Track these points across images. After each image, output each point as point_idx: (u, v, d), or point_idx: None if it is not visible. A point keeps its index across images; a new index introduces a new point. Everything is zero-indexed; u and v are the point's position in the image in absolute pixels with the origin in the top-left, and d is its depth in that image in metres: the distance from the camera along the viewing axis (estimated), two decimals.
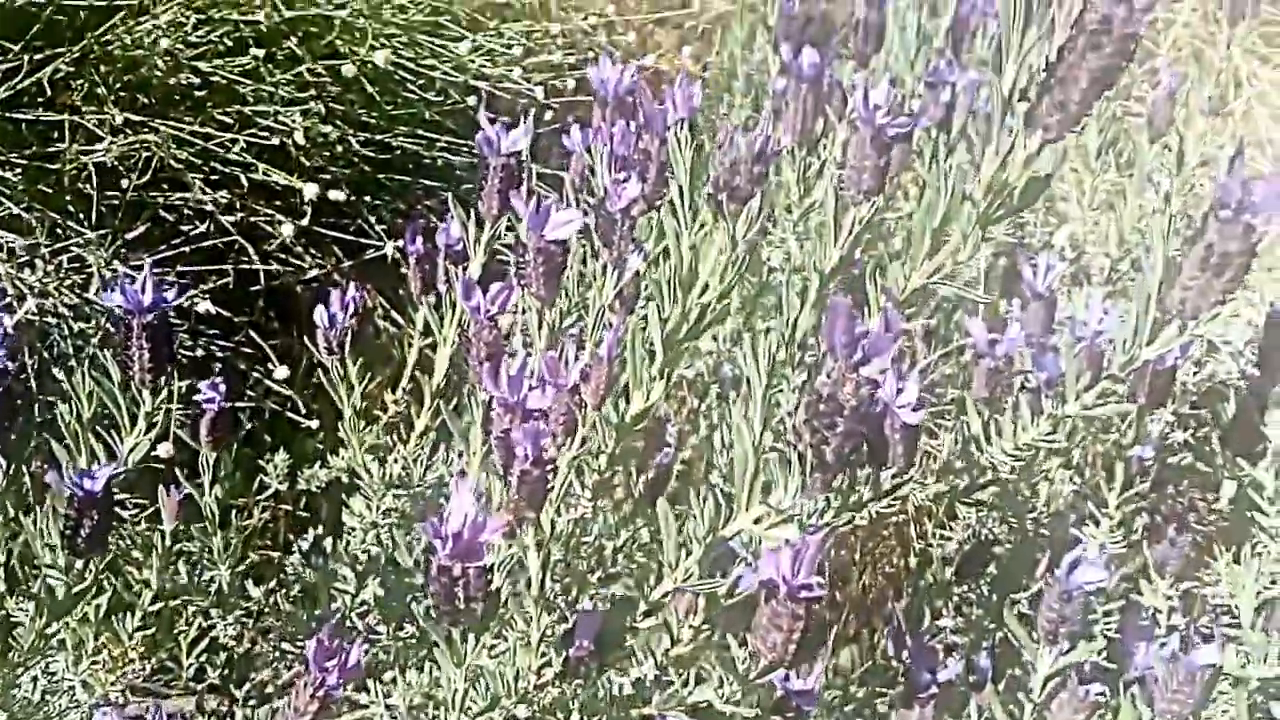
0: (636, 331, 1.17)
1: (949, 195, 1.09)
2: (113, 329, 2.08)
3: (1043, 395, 1.33)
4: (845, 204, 1.34)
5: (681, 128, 1.48)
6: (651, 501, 1.44)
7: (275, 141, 2.24)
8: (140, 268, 2.19)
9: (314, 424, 2.18)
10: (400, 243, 2.45)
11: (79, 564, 1.16)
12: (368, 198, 2.65)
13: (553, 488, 1.03)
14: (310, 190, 1.97)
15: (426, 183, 2.81)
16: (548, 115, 2.53)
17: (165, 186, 2.34)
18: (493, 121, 1.55)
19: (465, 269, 1.47)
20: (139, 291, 1.30)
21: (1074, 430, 1.41)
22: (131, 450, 1.36)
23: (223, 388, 1.35)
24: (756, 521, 0.97)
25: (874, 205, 1.30)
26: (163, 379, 1.32)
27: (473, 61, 2.31)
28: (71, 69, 2.17)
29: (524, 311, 1.32)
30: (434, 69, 2.38)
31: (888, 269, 1.20)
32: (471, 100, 2.38)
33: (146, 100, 2.35)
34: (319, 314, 1.50)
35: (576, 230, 1.27)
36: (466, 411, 1.46)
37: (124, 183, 2.24)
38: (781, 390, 1.27)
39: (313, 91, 2.25)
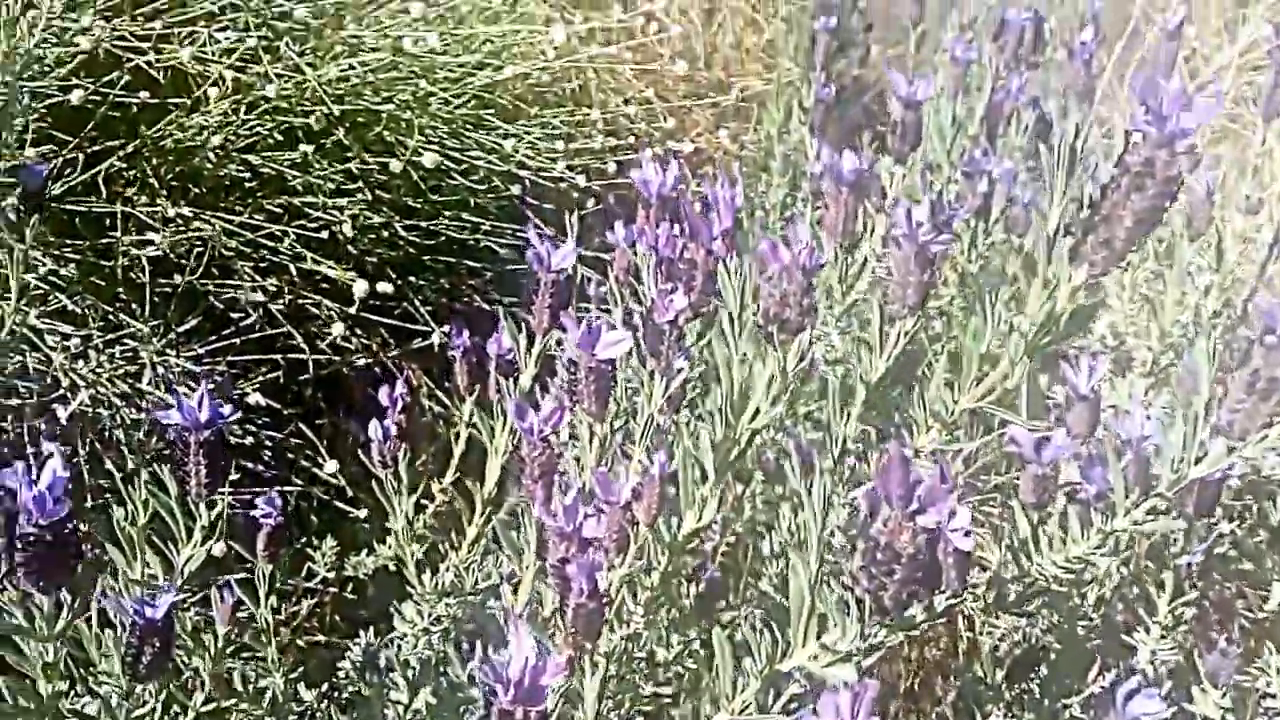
0: (688, 451, 1.19)
1: (995, 323, 1.11)
2: (168, 440, 2.15)
3: (1091, 508, 1.34)
4: (889, 316, 1.37)
5: (727, 239, 1.52)
6: (702, 612, 1.46)
7: (322, 230, 2.30)
8: (194, 359, 2.27)
9: (361, 512, 2.21)
10: (446, 328, 2.53)
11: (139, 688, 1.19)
12: (411, 278, 2.70)
13: (609, 619, 1.05)
14: (360, 287, 2.02)
15: (469, 264, 2.88)
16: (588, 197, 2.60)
17: (215, 276, 2.40)
18: (536, 211, 1.60)
19: (516, 380, 1.51)
20: (196, 409, 1.34)
21: (1122, 543, 1.41)
22: (187, 561, 1.40)
23: (278, 502, 1.38)
24: (813, 659, 0.98)
25: (919, 319, 1.33)
26: (218, 492, 1.36)
27: (516, 151, 2.36)
28: (125, 163, 2.24)
29: (574, 426, 1.35)
30: (478, 159, 2.44)
31: (933, 388, 1.22)
32: (515, 189, 2.43)
33: (197, 191, 2.42)
34: (373, 429, 1.54)
35: (626, 351, 1.30)
36: (518, 521, 1.49)
37: (176, 274, 2.30)
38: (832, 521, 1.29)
39: (360, 183, 2.31)
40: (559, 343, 1.55)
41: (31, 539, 0.97)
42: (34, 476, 0.98)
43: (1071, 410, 1.62)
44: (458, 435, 1.89)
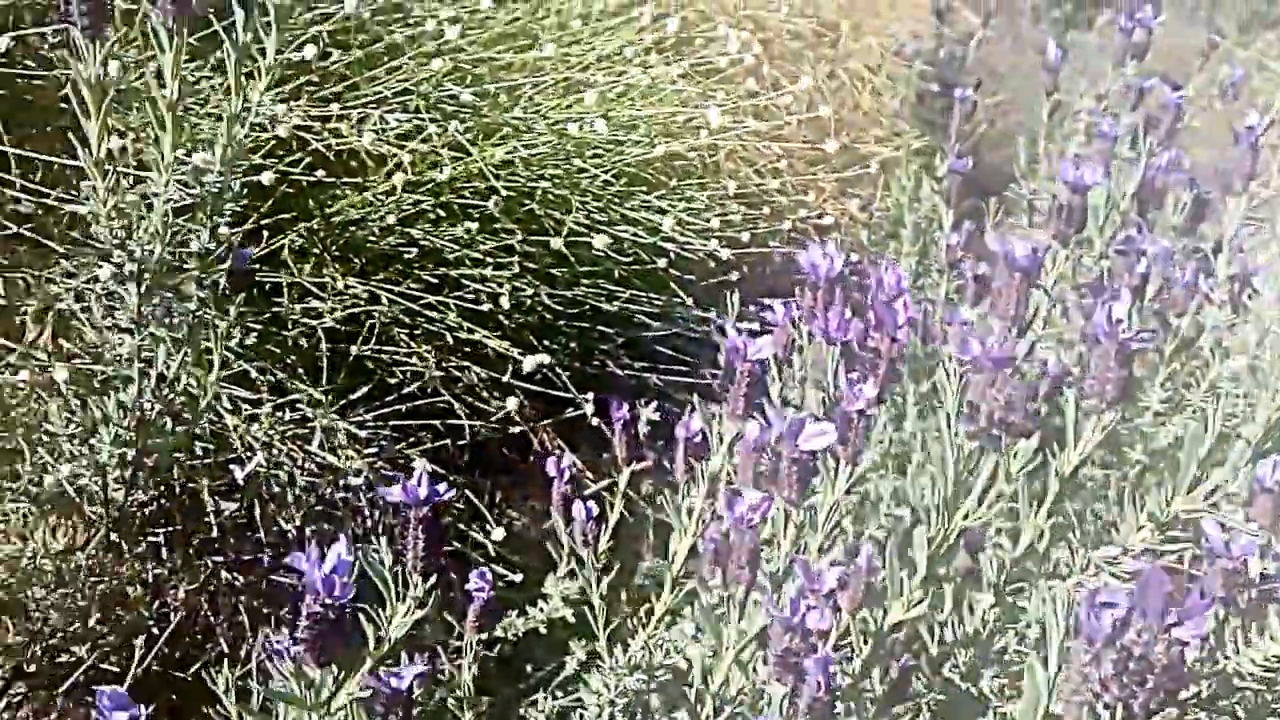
0: (895, 540, 1.24)
1: (1215, 429, 1.14)
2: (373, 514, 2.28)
3: None
4: (1086, 411, 1.40)
5: (911, 329, 1.57)
6: (892, 699, 1.50)
7: (480, 302, 2.41)
8: (358, 423, 2.38)
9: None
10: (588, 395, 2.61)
11: None
12: (545, 342, 2.80)
13: (839, 712, 1.10)
14: (530, 362, 2.11)
15: (602, 329, 2.96)
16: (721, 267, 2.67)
17: (375, 343, 2.52)
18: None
19: (706, 463, 1.57)
20: (416, 487, 1.43)
21: None
22: (398, 630, 1.48)
23: (489, 576, 1.46)
24: None
25: (1119, 413, 1.37)
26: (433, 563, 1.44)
27: (662, 226, 2.45)
28: (300, 237, 2.37)
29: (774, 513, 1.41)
30: (624, 230, 2.53)
31: (1145, 488, 1.26)
32: (662, 262, 2.51)
33: (359, 262, 2.55)
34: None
35: (830, 443, 1.36)
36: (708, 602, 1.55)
37: (338, 341, 2.42)
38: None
39: (517, 256, 2.41)
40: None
41: (316, 616, 1.06)
42: (321, 559, 1.07)
43: (1256, 502, 1.64)
44: (612, 506, 1.97)
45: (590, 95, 2.16)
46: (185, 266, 1.77)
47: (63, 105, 2.47)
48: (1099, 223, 2.31)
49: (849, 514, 1.59)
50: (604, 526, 1.65)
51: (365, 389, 2.42)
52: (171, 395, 1.87)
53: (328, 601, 1.06)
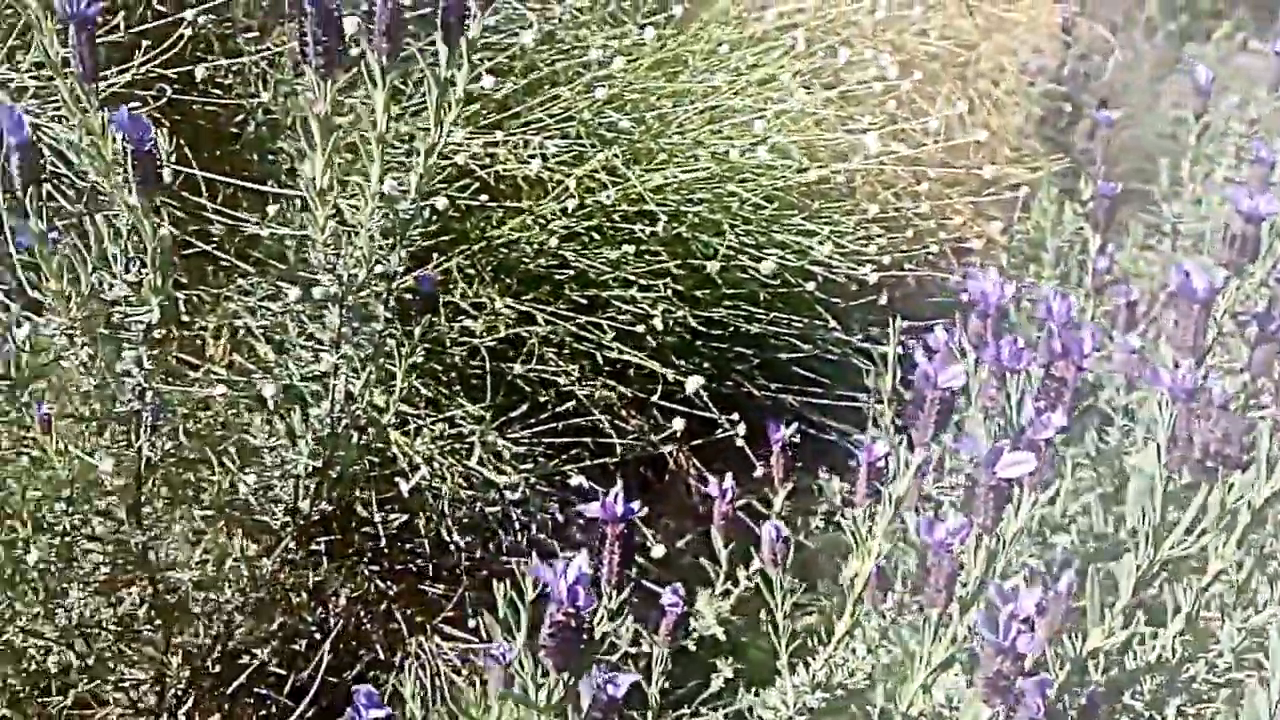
0: (1104, 572, 1.28)
1: None
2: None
3: None
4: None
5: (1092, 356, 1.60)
6: None
7: (620, 317, 2.49)
8: (514, 441, 2.47)
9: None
10: (730, 414, 2.67)
11: None
12: (685, 360, 2.87)
13: None
14: (692, 384, 2.18)
15: (740, 349, 3.02)
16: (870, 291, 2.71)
17: (526, 361, 2.62)
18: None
19: (888, 487, 1.62)
20: (614, 503, 1.51)
21: None
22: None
23: (682, 591, 1.53)
24: None
25: None
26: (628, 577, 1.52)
27: (810, 249, 2.50)
28: (464, 259, 2.49)
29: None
30: (769, 252, 2.59)
31: None
32: (810, 285, 2.57)
33: (511, 282, 2.66)
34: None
35: (1030, 470, 1.40)
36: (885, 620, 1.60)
37: (489, 359, 2.53)
38: None
39: (669, 280, 2.49)
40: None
41: (559, 624, 1.14)
42: (565, 571, 1.15)
43: None
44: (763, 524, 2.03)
45: (759, 124, 2.23)
46: (375, 288, 1.88)
47: (234, 131, 2.63)
48: (1263, 251, 2.30)
49: (1036, 540, 1.62)
50: (789, 547, 1.71)
51: (517, 405, 2.52)
52: (357, 411, 1.99)
53: (570, 610, 1.14)
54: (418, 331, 1.97)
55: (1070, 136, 4.05)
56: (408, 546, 2.58)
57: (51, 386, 1.89)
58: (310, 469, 1.92)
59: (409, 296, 2.13)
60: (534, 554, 1.68)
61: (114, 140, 1.46)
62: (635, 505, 1.54)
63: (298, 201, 1.80)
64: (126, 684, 2.10)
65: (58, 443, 1.79)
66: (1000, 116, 4.06)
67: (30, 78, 1.92)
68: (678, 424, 2.23)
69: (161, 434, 1.88)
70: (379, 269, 1.90)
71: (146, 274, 1.54)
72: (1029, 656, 1.23)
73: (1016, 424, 1.58)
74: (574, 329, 2.57)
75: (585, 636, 1.17)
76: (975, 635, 1.26)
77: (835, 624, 1.60)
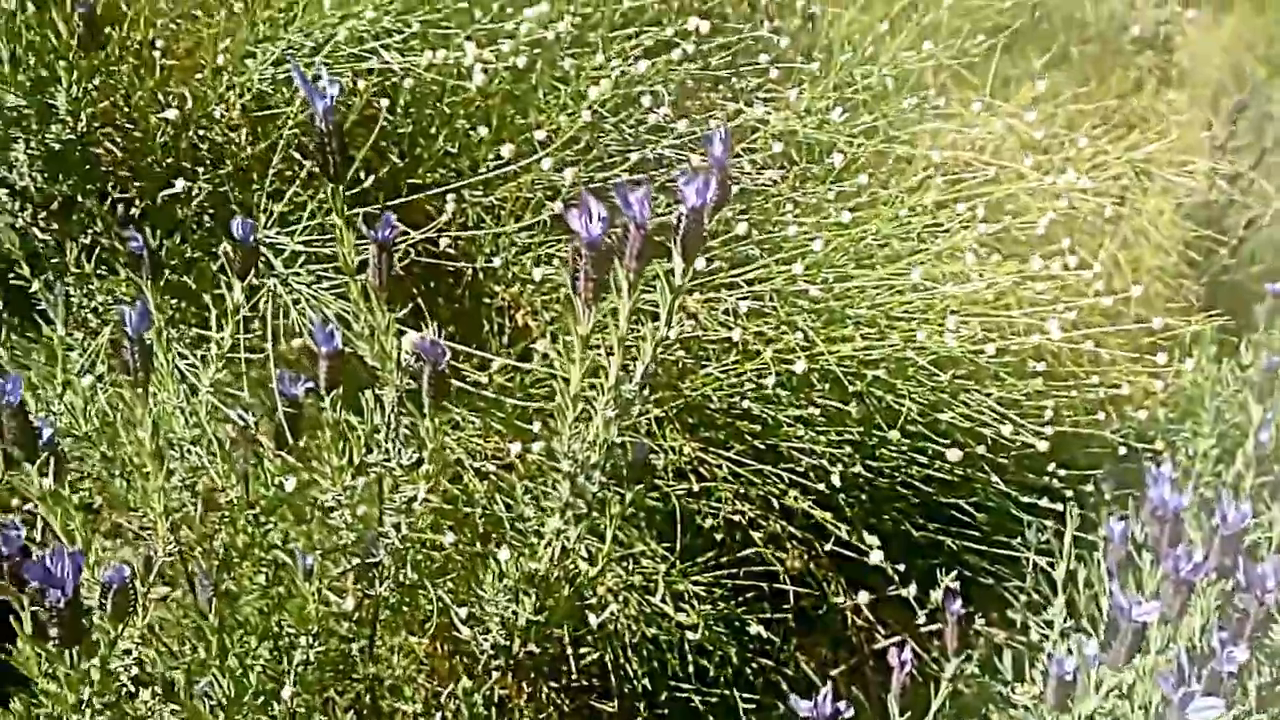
0: None
1: None
2: None
3: None
4: None
5: None
6: None
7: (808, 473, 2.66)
8: (694, 579, 2.66)
9: None
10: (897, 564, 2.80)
11: None
12: (843, 495, 3.01)
13: None
14: (877, 555, 2.34)
15: (900, 488, 3.16)
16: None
17: (701, 500, 2.81)
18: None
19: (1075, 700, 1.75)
20: (824, 703, 1.67)
21: None
22: None
23: None
24: None
25: None
26: None
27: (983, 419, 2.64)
28: (658, 408, 2.70)
29: None
30: (944, 414, 2.73)
31: None
32: (981, 449, 2.70)
33: (691, 421, 2.86)
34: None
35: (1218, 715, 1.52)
36: None
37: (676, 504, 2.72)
38: None
39: (842, 430, 2.65)
40: None
41: None
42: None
43: None
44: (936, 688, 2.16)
45: (951, 321, 2.40)
46: (600, 461, 2.09)
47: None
48: None
49: None
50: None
51: (699, 547, 2.70)
52: (569, 564, 2.20)
53: None
54: (629, 495, 2.17)
55: (1232, 292, 4.09)
56: (591, 673, 2.77)
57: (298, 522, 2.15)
58: (527, 621, 2.13)
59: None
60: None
61: (407, 356, 1.70)
62: (842, 706, 1.70)
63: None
64: None
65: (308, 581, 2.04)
66: (1155, 255, 4.13)
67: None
68: (863, 597, 2.37)
69: (399, 575, 2.11)
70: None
71: (423, 460, 1.77)
72: None
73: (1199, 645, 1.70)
74: (751, 475, 2.75)
75: None
76: None
77: None
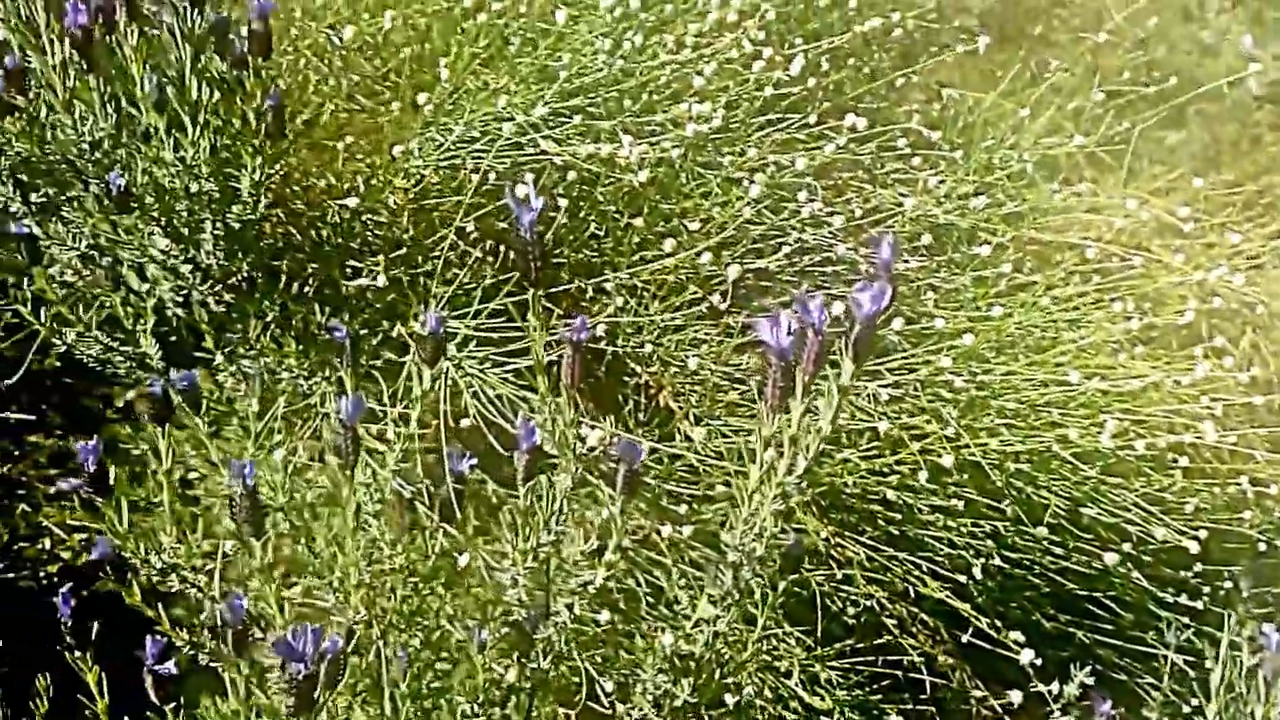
0: None
1: None
2: None
3: None
4: None
5: None
6: None
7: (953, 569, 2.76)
8: (837, 670, 2.76)
9: None
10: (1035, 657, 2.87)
11: None
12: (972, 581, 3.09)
13: None
14: (1027, 655, 2.42)
15: (1031, 578, 3.22)
16: None
17: (834, 582, 2.92)
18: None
19: None
20: None
21: None
22: None
23: None
24: None
25: None
26: None
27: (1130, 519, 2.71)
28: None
29: None
30: (1088, 509, 2.81)
31: None
32: (1126, 547, 2.77)
33: (830, 512, 2.97)
34: None
35: None
36: None
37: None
38: None
39: (988, 532, 2.75)
40: None
41: None
42: None
43: None
44: None
45: (1111, 425, 2.49)
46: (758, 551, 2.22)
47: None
48: None
49: None
50: None
51: (833, 632, 2.80)
52: (720, 646, 2.33)
53: None
54: (782, 585, 2.30)
55: None
56: None
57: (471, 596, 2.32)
58: (684, 701, 2.26)
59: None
60: None
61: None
62: None
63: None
64: None
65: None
66: None
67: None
68: (1014, 696, 2.46)
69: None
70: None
71: (605, 548, 1.92)
72: None
73: None
74: (885, 560, 2.86)
75: None
76: None
77: None
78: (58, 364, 3.67)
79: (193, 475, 3.05)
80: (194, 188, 2.40)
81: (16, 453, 4.50)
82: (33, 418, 4.30)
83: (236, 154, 2.64)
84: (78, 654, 2.13)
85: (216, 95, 2.59)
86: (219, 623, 1.79)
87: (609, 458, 1.99)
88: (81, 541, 4.25)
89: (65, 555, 4.28)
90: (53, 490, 4.56)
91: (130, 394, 4.53)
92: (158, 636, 1.89)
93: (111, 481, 2.07)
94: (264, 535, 1.74)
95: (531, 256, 1.84)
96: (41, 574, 4.26)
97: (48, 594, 4.29)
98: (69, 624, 2.14)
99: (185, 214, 2.44)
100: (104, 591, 4.30)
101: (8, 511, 4.31)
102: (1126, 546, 2.77)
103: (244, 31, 2.54)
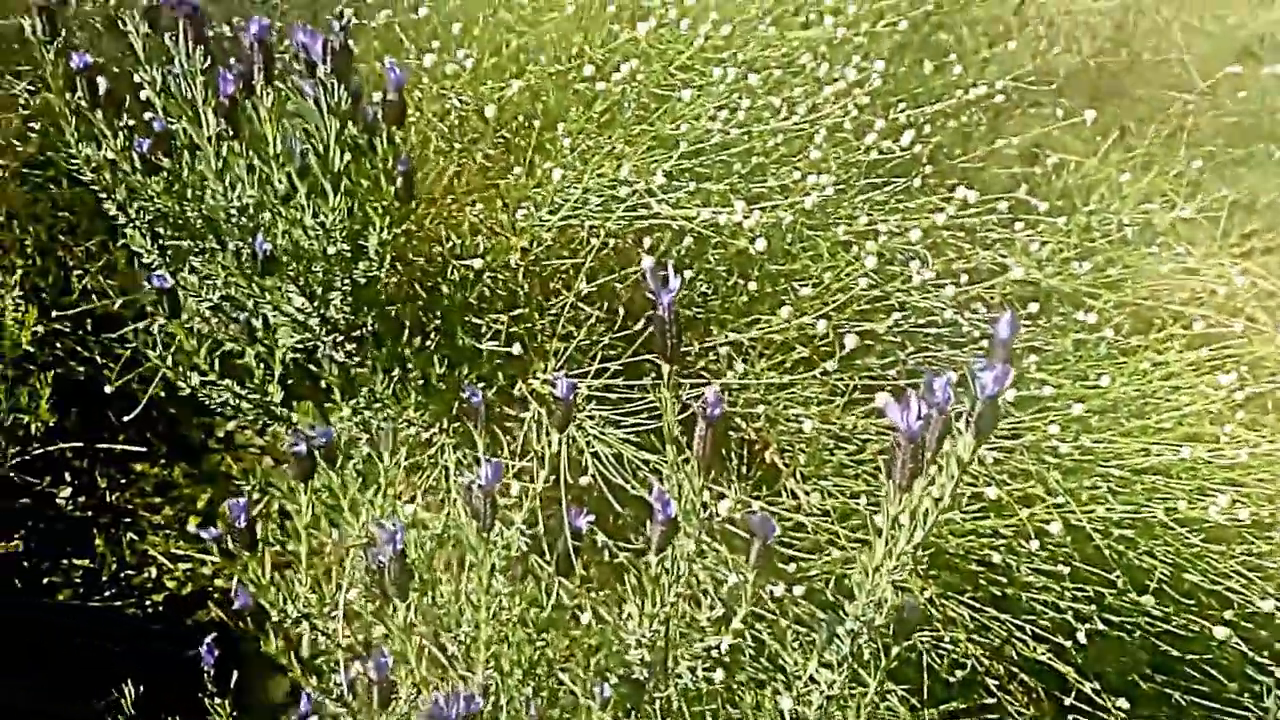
0: None
1: None
2: None
3: None
4: None
5: None
6: None
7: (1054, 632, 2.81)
8: None
9: None
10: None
11: None
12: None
13: None
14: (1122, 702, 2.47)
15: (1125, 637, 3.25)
16: None
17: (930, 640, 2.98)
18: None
19: None
20: None
21: None
22: None
23: None
24: None
25: None
26: None
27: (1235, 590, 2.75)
28: None
29: None
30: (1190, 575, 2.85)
31: None
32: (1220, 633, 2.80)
33: (930, 571, 3.04)
34: None
35: None
36: None
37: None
38: None
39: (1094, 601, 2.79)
40: None
41: None
42: None
43: None
44: None
45: (1221, 500, 2.54)
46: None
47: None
48: None
49: None
50: None
51: (929, 685, 2.87)
52: (834, 710, 2.41)
53: None
54: (895, 650, 2.37)
55: None
56: None
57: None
58: None
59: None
60: None
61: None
62: None
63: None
64: None
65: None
66: None
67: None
68: None
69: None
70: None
71: (732, 616, 2.01)
72: None
73: None
74: (987, 620, 2.92)
75: None
76: None
77: None
78: (161, 394, 3.81)
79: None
80: (330, 250, 2.54)
81: (123, 480, 4.70)
82: (143, 449, 4.48)
83: (366, 216, 2.78)
84: (218, 701, 2.26)
85: (350, 160, 2.74)
86: (365, 679, 1.91)
87: (731, 522, 2.08)
88: (186, 571, 4.42)
89: (170, 585, 4.45)
90: (158, 519, 4.75)
91: (230, 425, 4.71)
92: (308, 693, 2.00)
93: (258, 536, 2.20)
94: (408, 598, 1.85)
95: (669, 334, 1.94)
96: (147, 602, 4.43)
97: (153, 622, 4.47)
98: (210, 672, 2.27)
99: (320, 273, 2.58)
100: (204, 621, 4.47)
101: (115, 540, 4.50)
102: (1228, 614, 2.80)
103: (376, 98, 2.68)
